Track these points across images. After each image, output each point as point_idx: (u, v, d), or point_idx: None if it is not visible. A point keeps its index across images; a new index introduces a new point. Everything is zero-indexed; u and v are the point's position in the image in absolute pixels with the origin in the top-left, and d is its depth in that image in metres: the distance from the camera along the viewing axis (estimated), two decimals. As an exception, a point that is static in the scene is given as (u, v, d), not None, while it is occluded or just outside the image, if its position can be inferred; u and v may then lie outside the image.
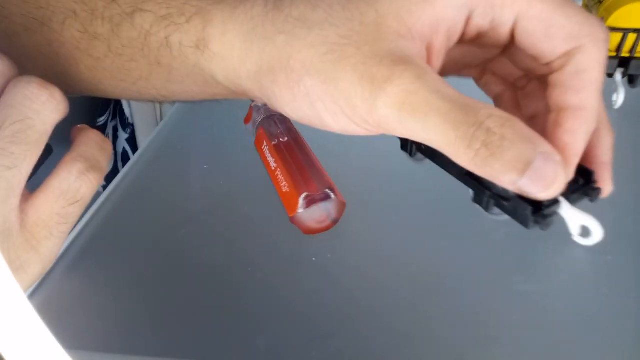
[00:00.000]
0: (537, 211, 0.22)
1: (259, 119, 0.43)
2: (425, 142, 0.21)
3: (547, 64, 0.24)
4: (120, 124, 1.01)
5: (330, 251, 0.34)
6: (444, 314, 0.30)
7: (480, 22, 0.23)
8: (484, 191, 0.23)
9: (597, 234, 0.25)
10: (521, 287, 0.31)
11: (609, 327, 0.29)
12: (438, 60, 0.24)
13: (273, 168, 0.38)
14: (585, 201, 0.25)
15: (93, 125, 1.00)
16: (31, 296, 0.33)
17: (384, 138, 0.29)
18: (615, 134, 0.25)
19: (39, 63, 0.28)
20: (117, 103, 1.01)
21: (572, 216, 0.23)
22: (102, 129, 1.02)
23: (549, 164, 0.20)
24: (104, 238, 0.37)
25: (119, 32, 0.26)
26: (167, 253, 0.36)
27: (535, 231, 0.26)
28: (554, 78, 0.24)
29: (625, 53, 0.42)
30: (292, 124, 0.42)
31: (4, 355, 0.12)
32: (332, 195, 0.34)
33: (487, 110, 0.20)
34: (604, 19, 0.42)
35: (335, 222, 0.35)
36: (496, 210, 0.24)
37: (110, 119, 1.03)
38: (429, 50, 0.23)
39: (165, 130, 0.50)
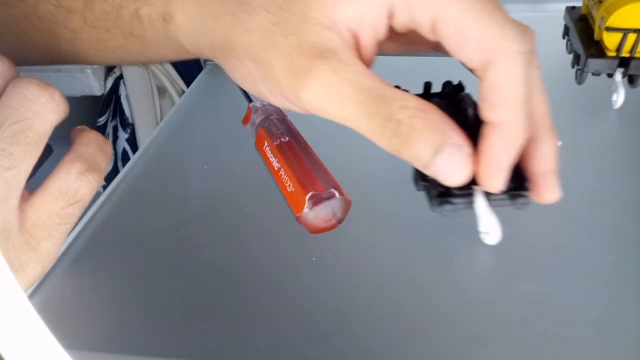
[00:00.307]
0: (445, 196, 0.24)
1: (258, 120, 0.43)
2: (350, 127, 0.23)
3: (472, 70, 0.23)
4: (120, 124, 1.01)
5: (330, 251, 0.34)
6: (444, 313, 0.30)
7: (402, 20, 0.23)
8: (415, 171, 0.25)
9: (494, 237, 0.25)
10: (521, 287, 0.31)
11: (609, 327, 0.29)
12: (369, 51, 0.24)
13: (276, 168, 0.38)
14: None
15: (93, 125, 0.99)
16: (31, 296, 0.33)
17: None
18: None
19: (20, 37, 0.29)
20: (117, 103, 1.01)
21: (480, 214, 0.24)
22: (102, 129, 1.01)
23: (455, 154, 0.21)
24: (104, 238, 0.37)
25: (92, 6, 0.28)
26: (167, 253, 0.36)
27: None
28: (479, 88, 0.23)
29: (625, 53, 0.42)
30: (291, 124, 0.42)
31: (4, 355, 0.12)
32: (337, 194, 0.34)
33: (400, 101, 0.21)
34: (603, 19, 0.42)
35: (340, 220, 0.35)
36: None
37: (110, 119, 1.03)
38: (356, 41, 0.24)
39: (165, 130, 0.50)
